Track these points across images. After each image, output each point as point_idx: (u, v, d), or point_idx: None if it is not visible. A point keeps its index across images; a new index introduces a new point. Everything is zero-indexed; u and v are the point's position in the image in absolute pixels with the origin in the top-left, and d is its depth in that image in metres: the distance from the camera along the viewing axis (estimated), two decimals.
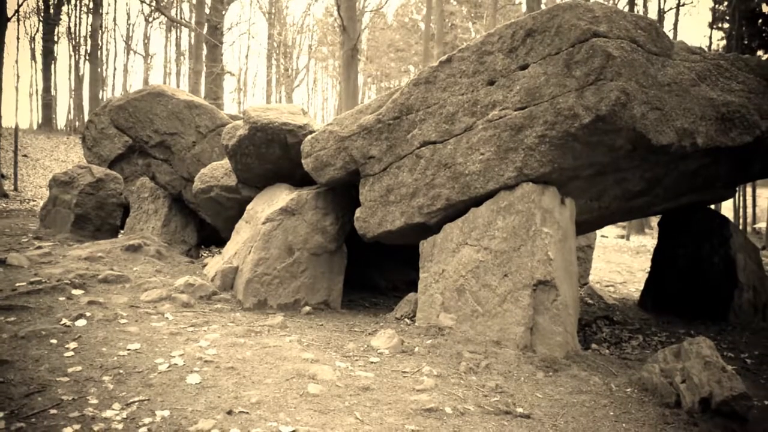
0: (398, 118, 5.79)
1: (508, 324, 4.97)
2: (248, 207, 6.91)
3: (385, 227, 5.88)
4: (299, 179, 6.81)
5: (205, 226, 9.37)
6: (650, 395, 4.35)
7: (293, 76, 45.06)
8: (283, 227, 6.19)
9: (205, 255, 9.21)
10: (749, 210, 41.47)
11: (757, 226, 37.96)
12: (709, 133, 5.54)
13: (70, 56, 39.69)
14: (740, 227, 36.93)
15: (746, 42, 33.63)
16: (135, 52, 43.99)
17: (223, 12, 30.42)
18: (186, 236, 9.24)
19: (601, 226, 7.67)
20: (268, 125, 6.62)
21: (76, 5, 38.53)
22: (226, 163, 7.61)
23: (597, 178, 5.62)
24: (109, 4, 42.77)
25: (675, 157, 5.57)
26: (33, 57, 40.16)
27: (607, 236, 25.57)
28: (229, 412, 3.53)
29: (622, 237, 25.63)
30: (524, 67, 5.21)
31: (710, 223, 7.49)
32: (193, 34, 23.58)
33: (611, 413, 4.09)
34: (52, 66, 37.32)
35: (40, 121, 36.41)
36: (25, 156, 24.08)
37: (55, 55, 38.18)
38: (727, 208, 43.33)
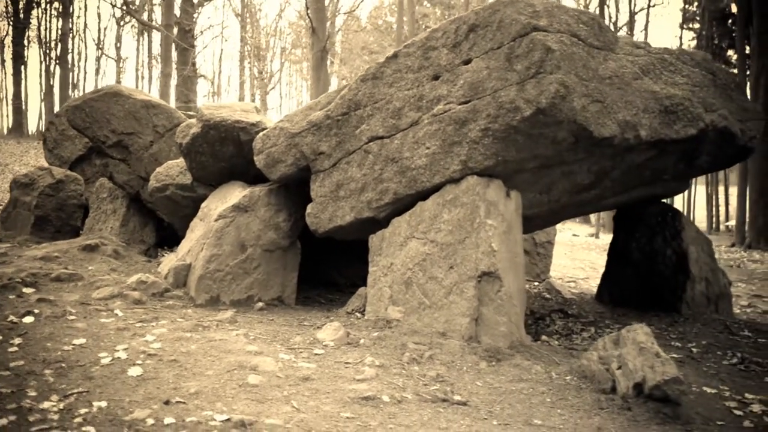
0: (347, 114, 5.83)
1: (454, 315, 5.03)
2: (202, 205, 6.92)
3: (336, 222, 5.92)
4: (254, 177, 6.83)
5: (165, 226, 9.35)
6: (588, 382, 4.42)
7: (267, 79, 45.02)
8: (236, 224, 6.21)
9: (164, 254, 9.19)
10: (722, 209, 42.05)
11: (729, 223, 38.46)
12: (653, 125, 5.63)
13: (41, 61, 39.41)
14: (713, 226, 37.41)
15: (716, 42, 34.07)
16: (107, 56, 43.77)
17: (194, 15, 30.36)
18: (145, 236, 9.23)
19: (555, 221, 7.76)
20: (220, 123, 6.64)
21: (45, 9, 38.27)
22: (181, 161, 7.62)
23: (544, 171, 5.69)
24: (80, 8, 42.44)
25: (620, 150, 5.65)
26: (2, 61, 39.85)
27: (578, 235, 25.80)
28: (167, 402, 3.55)
29: (593, 235, 25.89)
30: (468, 62, 5.28)
31: (663, 217, 7.58)
32: (162, 37, 23.47)
33: (548, 400, 4.16)
34: (23, 70, 37.04)
35: (10, 126, 36.11)
36: None
37: (26, 59, 37.93)
38: (700, 207, 43.83)
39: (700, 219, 40.20)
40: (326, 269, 7.73)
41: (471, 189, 5.18)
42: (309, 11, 21.34)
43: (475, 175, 5.23)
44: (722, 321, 6.97)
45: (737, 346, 6.07)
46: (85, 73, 41.41)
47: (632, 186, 6.59)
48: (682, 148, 6.15)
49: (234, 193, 6.54)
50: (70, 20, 35.66)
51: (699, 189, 41.78)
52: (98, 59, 44.52)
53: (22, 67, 36.91)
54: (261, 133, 6.36)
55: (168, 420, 3.30)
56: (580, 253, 16.76)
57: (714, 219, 36.36)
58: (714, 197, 38.54)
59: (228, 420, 3.34)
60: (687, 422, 3.92)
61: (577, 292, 9.24)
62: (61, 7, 33.82)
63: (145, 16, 34.79)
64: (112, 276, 6.64)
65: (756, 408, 4.33)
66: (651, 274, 7.58)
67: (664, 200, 8.57)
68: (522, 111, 4.93)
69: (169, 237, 9.49)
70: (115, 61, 42.77)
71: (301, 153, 6.06)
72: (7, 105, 39.95)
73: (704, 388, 4.67)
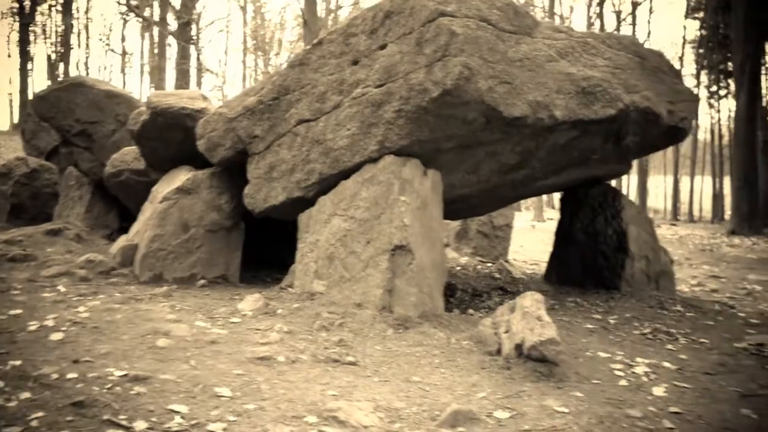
0: (277, 98, 6.14)
1: (370, 287, 5.31)
2: (153, 189, 7.24)
3: (270, 202, 6.22)
4: (204, 162, 7.12)
5: (129, 211, 9.69)
6: (481, 346, 4.69)
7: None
8: (179, 206, 6.52)
9: None
10: (727, 199, 42.06)
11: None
12: (570, 106, 5.88)
13: (48, 57, 39.92)
14: (720, 215, 37.42)
15: (722, 31, 34.06)
16: (113, 51, 44.26)
17: (194, 9, 30.66)
18: (109, 221, 9.59)
19: (496, 203, 8.04)
20: (167, 110, 6.96)
21: (50, 5, 38.77)
22: (137, 148, 7.95)
23: (467, 152, 5.96)
24: (89, 3, 42.91)
25: (539, 130, 5.91)
26: (9, 57, 40.40)
27: (554, 219, 26.01)
28: (75, 361, 3.84)
29: None
30: (383, 47, 5.56)
31: (604, 198, 7.83)
32: (158, 31, 23.83)
33: (436, 361, 4.43)
34: (29, 66, 37.55)
35: (17, 121, 36.63)
36: None
37: (32, 55, 38.45)
38: (707, 197, 43.83)
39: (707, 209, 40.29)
40: (278, 250, 8.02)
41: (387, 168, 5.45)
42: (302, 4, 21.64)
43: (392, 154, 5.50)
44: (658, 297, 7.19)
45: (659, 318, 6.31)
46: (87, 69, 41.64)
47: (563, 166, 6.84)
48: (605, 128, 6.39)
49: (180, 177, 6.85)
50: (74, 15, 36.15)
51: (706, 180, 41.82)
52: (106, 53, 45.02)
53: (28, 62, 37.47)
54: (202, 119, 6.68)
55: (71, 375, 3.59)
56: (551, 237, 16.97)
57: (720, 209, 36.48)
58: (720, 188, 38.56)
59: (125, 375, 3.64)
60: (561, 380, 4.19)
61: (531, 273, 9.50)
62: (63, 2, 34.23)
63: (147, 12, 35.19)
64: (65, 257, 6.97)
65: (639, 370, 4.60)
66: (594, 254, 7.82)
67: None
68: (430, 92, 5.20)
69: (134, 222, 9.81)
70: (120, 56, 43.33)
71: (237, 137, 6.37)
72: (14, 101, 40.50)
73: (599, 353, 4.93)
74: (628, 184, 42.04)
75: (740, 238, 17.65)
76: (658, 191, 47.20)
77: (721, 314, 6.78)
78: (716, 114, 39.01)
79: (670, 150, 41.30)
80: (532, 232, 19.54)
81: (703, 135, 45.06)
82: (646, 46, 7.54)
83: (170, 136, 7.17)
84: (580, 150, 6.60)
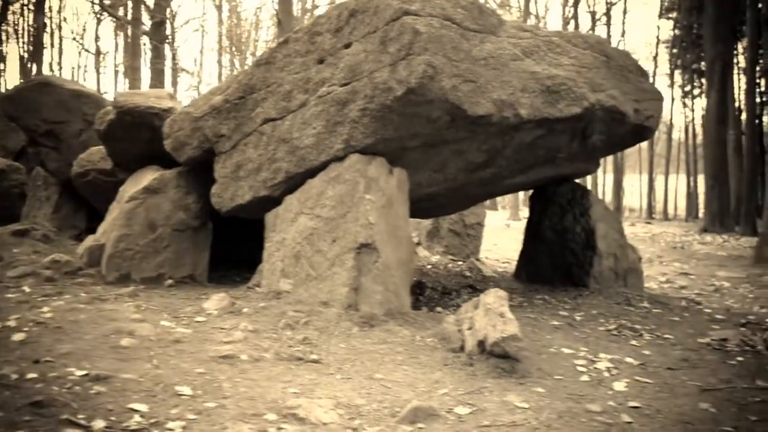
0: (243, 97, 6.13)
1: (336, 285, 5.32)
2: (120, 188, 7.20)
3: (237, 201, 6.22)
4: (172, 161, 7.10)
5: (98, 212, 9.64)
6: (445, 343, 4.71)
7: None
8: (146, 205, 6.49)
9: None
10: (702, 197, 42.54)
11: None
12: (535, 104, 5.92)
13: (21, 57, 39.45)
14: (694, 213, 37.79)
15: (695, 31, 34.40)
16: (87, 51, 43.85)
17: (168, 8, 30.44)
18: (77, 221, 9.52)
19: (465, 202, 8.07)
20: (134, 109, 6.93)
21: (22, 5, 38.30)
22: (103, 147, 7.90)
23: (432, 150, 5.98)
24: (62, 2, 42.44)
25: (505, 128, 5.95)
26: None
27: None
28: (36, 361, 3.82)
29: None
30: (348, 46, 5.57)
31: (573, 195, 7.89)
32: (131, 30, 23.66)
33: (399, 358, 4.45)
34: (1, 66, 37.14)
35: None
36: None
37: (5, 54, 38.02)
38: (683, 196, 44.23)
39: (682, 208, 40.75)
40: (248, 249, 7.99)
41: (353, 166, 5.47)
42: (275, 3, 21.58)
43: (357, 153, 5.51)
44: (625, 294, 7.25)
45: (625, 315, 6.37)
46: (60, 68, 41.10)
47: (530, 165, 6.88)
48: (571, 127, 6.44)
49: (147, 176, 6.82)
50: (47, 14, 35.75)
51: (681, 178, 42.28)
52: (80, 53, 44.64)
53: (2, 62, 37.05)
54: (169, 119, 6.66)
55: (31, 375, 3.57)
56: None
57: (695, 207, 36.90)
58: (695, 186, 38.95)
59: (86, 375, 3.63)
60: (523, 376, 4.23)
61: (502, 271, 9.55)
62: (36, 0, 33.81)
63: (121, 11, 34.92)
64: (32, 257, 6.92)
65: (601, 365, 4.64)
66: (562, 251, 7.88)
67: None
68: (395, 91, 5.22)
69: (102, 222, 9.76)
70: (94, 56, 42.90)
71: (204, 136, 6.35)
72: None
73: (563, 349, 4.97)
74: (604, 183, 42.39)
75: (712, 236, 17.87)
76: (634, 190, 47.60)
77: (687, 310, 6.85)
78: (690, 113, 39.38)
79: (645, 149, 41.72)
80: (507, 231, 19.65)
81: (677, 134, 45.51)
82: (621, 46, 7.63)
83: (137, 136, 7.14)
84: (547, 148, 6.64)
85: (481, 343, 4.35)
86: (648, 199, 39.18)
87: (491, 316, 4.42)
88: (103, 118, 7.37)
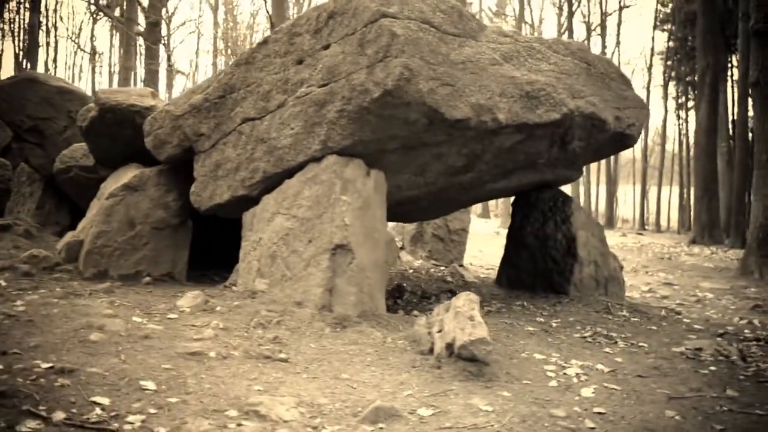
0: (223, 97, 6.14)
1: (311, 286, 5.32)
2: (102, 185, 7.21)
3: (216, 201, 6.22)
4: (152, 159, 7.10)
5: (82, 209, 9.64)
6: (415, 345, 4.71)
7: None
8: (126, 203, 6.48)
9: None
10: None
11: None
12: (513, 109, 5.93)
13: (16, 55, 39.42)
14: (687, 225, 37.87)
15: (690, 43, 34.52)
16: (82, 50, 43.81)
17: (164, 10, 30.46)
18: (60, 218, 9.51)
19: (447, 207, 8.07)
20: (116, 106, 6.93)
21: (18, 2, 38.26)
22: (85, 144, 7.91)
23: (411, 153, 5.99)
24: (57, 2, 42.39)
25: (483, 133, 5.95)
26: None
27: None
28: (3, 353, 3.80)
29: None
30: (327, 47, 5.58)
31: (554, 202, 7.90)
32: (124, 30, 23.64)
33: (368, 359, 4.45)
34: None
35: None
36: None
37: (1, 52, 37.98)
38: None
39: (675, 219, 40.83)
40: (229, 248, 7.99)
41: (329, 167, 5.47)
42: (268, 6, 21.62)
43: (335, 154, 5.52)
44: (605, 302, 7.25)
45: (602, 322, 6.37)
46: (56, 66, 41.08)
47: (510, 170, 6.90)
48: (550, 133, 6.46)
49: (128, 174, 6.82)
50: (44, 13, 35.75)
51: (674, 190, 42.36)
52: (75, 52, 44.64)
53: None
54: (150, 117, 6.67)
55: None
56: None
57: (687, 218, 36.94)
58: (687, 198, 38.98)
59: (52, 367, 3.62)
60: (490, 380, 4.22)
61: (485, 277, 9.56)
62: None
63: (117, 11, 34.92)
64: (11, 252, 6.91)
65: (571, 371, 4.63)
66: (544, 258, 7.88)
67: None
68: (372, 93, 5.23)
69: None
70: (90, 56, 42.87)
71: (184, 134, 6.36)
72: None
73: (535, 355, 4.97)
74: (597, 194, 42.41)
75: (700, 248, 17.90)
76: (627, 201, 47.67)
77: (666, 320, 6.85)
78: (684, 125, 39.45)
79: (639, 160, 41.75)
80: (495, 238, 19.66)
81: (671, 146, 45.55)
82: (615, 56, 7.65)
83: (119, 133, 7.15)
84: (526, 153, 6.66)
85: (449, 346, 4.35)
86: (641, 211, 39.20)
87: (460, 319, 4.42)
88: (85, 115, 7.37)
